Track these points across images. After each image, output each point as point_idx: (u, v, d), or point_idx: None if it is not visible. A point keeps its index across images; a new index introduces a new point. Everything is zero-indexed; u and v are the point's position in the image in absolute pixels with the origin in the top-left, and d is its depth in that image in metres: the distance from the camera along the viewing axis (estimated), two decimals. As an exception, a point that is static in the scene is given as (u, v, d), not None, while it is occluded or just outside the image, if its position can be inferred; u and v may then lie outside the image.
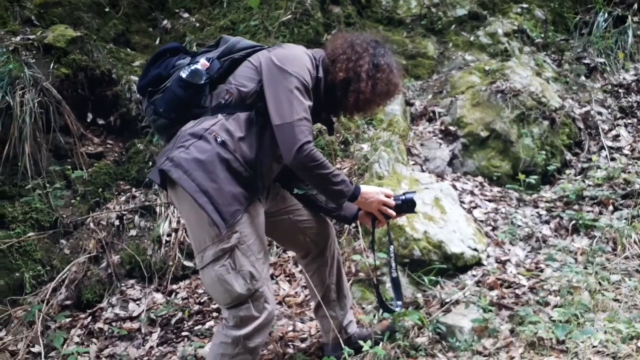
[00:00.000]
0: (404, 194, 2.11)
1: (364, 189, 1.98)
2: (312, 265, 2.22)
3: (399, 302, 2.12)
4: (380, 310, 2.48)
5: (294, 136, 1.75)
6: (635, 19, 4.64)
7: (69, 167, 3.46)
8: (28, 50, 3.77)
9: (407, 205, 2.08)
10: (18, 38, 3.85)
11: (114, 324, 2.90)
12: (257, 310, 1.81)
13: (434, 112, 4.01)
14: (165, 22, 4.69)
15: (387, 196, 2.03)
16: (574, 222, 2.99)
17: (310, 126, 1.80)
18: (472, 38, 4.62)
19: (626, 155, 3.57)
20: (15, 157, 3.28)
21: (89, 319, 2.95)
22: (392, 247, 2.16)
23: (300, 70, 1.82)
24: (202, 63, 1.88)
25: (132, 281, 3.16)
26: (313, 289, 2.23)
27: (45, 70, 3.63)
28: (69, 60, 3.73)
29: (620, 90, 4.15)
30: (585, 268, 2.52)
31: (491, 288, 2.57)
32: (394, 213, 2.06)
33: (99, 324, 2.90)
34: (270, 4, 4.44)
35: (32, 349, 2.73)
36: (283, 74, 1.80)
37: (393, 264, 2.13)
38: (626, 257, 2.60)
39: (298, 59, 1.86)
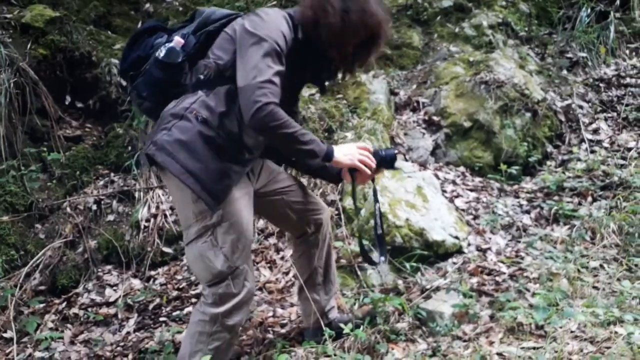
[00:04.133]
0: (384, 149, 2.04)
1: (338, 147, 1.90)
2: (302, 246, 2.19)
3: (382, 258, 2.07)
4: (362, 296, 2.47)
5: (254, 96, 1.66)
6: (617, 14, 4.69)
7: (45, 149, 3.37)
8: (4, 29, 3.66)
9: (386, 161, 1.99)
10: (-6, 17, 3.73)
11: (89, 309, 2.84)
12: (236, 288, 1.80)
13: (418, 102, 4.01)
14: (147, 5, 4.60)
15: (363, 149, 1.95)
16: (554, 211, 3.01)
17: (276, 90, 1.69)
18: (457, 29, 4.63)
19: (606, 148, 3.61)
20: (-12, 138, 3.18)
21: (64, 304, 2.89)
22: (377, 204, 2.08)
23: (272, 33, 1.73)
24: (176, 41, 1.83)
25: (109, 267, 3.10)
26: (299, 269, 2.21)
27: (22, 51, 3.53)
28: (47, 40, 3.63)
29: (601, 85, 4.20)
30: (565, 256, 2.54)
31: (472, 275, 2.58)
32: (373, 161, 1.94)
33: (74, 310, 2.84)
34: (256, -9, 4.39)
35: (4, 334, 2.66)
36: (254, 38, 1.72)
37: (378, 222, 2.06)
38: (604, 246, 2.63)
39: (272, 22, 1.76)
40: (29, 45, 3.58)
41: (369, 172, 1.92)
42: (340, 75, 2.02)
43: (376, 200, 2.10)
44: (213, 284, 1.80)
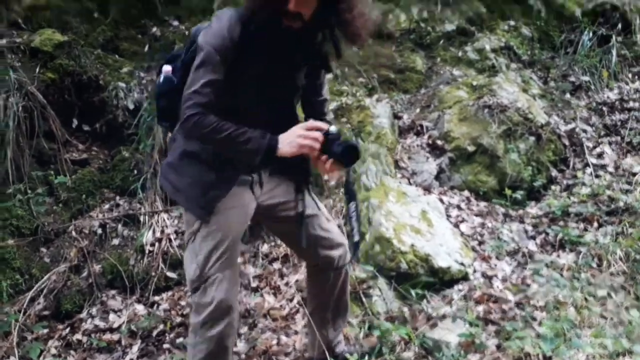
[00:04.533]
0: (342, 142, 1.71)
1: (283, 135, 1.72)
2: (314, 277, 2.14)
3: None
4: (367, 324, 2.46)
5: (183, 108, 1.69)
6: (619, 38, 4.73)
7: (52, 172, 3.39)
8: (14, 53, 3.71)
9: (338, 155, 1.69)
10: (4, 41, 3.79)
11: (93, 335, 2.82)
12: (207, 297, 1.79)
13: (421, 125, 4.03)
14: (154, 29, 4.66)
15: (312, 128, 1.72)
16: (559, 237, 3.00)
17: (202, 100, 1.67)
18: (460, 53, 4.67)
19: (610, 173, 3.61)
20: (-4, 161, 3.21)
21: (68, 330, 2.87)
22: (353, 204, 1.80)
23: (212, 39, 1.68)
24: (165, 70, 1.89)
25: (113, 291, 3.09)
26: (309, 298, 2.20)
27: (31, 74, 3.57)
28: (56, 64, 3.68)
29: (604, 109, 4.21)
30: (572, 284, 2.53)
31: (478, 303, 2.57)
32: (318, 142, 1.69)
33: (78, 336, 2.82)
34: (260, 15, 4.44)
35: (7, 360, 2.64)
36: (198, 47, 1.72)
37: (355, 225, 1.79)
38: (611, 274, 2.62)
39: (216, 27, 1.70)
40: (37, 69, 3.63)
41: (314, 154, 1.72)
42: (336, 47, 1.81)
43: (350, 199, 1.82)
44: (192, 292, 1.84)
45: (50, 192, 3.40)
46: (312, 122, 1.75)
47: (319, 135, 1.70)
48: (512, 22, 4.94)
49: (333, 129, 1.73)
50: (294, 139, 1.70)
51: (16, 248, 3.05)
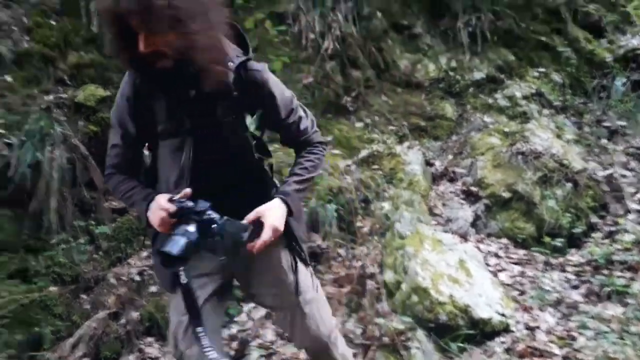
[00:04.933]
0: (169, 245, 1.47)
1: (153, 202, 1.61)
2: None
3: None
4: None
5: None
6: (653, 83, 4.71)
7: (94, 222, 3.49)
8: (59, 108, 3.91)
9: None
10: (51, 97, 4.00)
11: (129, 385, 2.82)
12: None
13: (454, 172, 4.02)
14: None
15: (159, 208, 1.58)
16: (605, 288, 2.90)
17: (112, 162, 1.75)
18: (490, 100, 4.70)
19: (653, 219, 3.52)
20: (41, 211, 3.33)
21: (105, 379, 2.87)
22: (200, 329, 1.64)
23: (114, 105, 1.74)
24: None
25: (150, 339, 3.09)
26: None
27: (75, 128, 3.75)
28: (98, 118, 3.86)
29: (642, 154, 4.15)
30: (621, 338, 2.42)
31: (521, 356, 2.47)
32: (164, 223, 1.56)
33: (115, 385, 2.82)
34: (292, 68, 4.60)
35: (46, 410, 2.65)
36: None
37: (205, 345, 1.59)
38: (663, 327, 2.50)
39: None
40: (81, 123, 3.80)
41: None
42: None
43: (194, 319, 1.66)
44: None
45: (91, 240, 3.48)
46: (164, 203, 1.57)
47: (163, 216, 1.56)
48: (541, 69, 4.97)
49: (202, 206, 1.54)
50: (151, 213, 1.61)
51: (58, 295, 3.12)
